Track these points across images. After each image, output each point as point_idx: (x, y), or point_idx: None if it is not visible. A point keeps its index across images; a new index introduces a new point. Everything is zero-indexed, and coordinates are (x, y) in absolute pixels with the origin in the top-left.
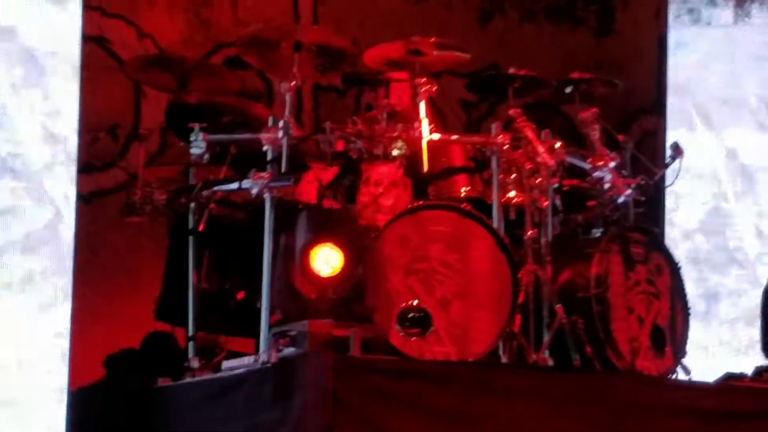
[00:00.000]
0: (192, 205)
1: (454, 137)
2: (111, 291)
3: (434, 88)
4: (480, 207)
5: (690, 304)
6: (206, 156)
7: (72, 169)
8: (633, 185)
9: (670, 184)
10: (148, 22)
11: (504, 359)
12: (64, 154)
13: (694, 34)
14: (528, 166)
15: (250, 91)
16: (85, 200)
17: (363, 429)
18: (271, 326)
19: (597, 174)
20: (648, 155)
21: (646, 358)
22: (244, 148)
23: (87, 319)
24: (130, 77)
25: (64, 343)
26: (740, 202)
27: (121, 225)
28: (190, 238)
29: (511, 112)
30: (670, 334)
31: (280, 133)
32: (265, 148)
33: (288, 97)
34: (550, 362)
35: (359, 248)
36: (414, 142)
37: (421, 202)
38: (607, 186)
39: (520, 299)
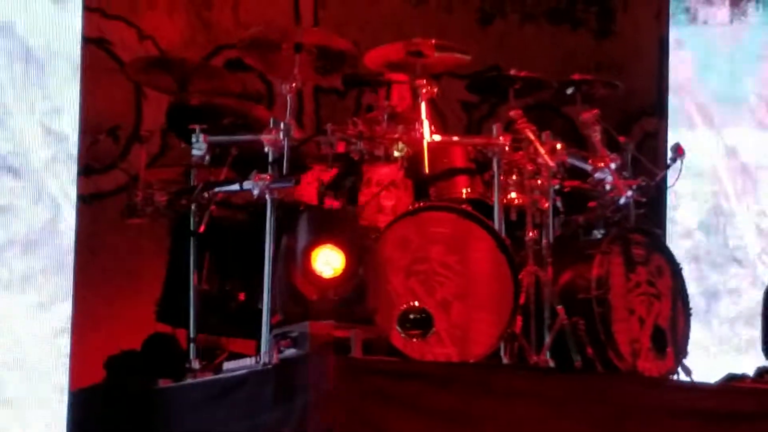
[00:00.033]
0: (193, 206)
1: (455, 138)
2: (112, 292)
3: (435, 90)
4: (481, 208)
5: (691, 305)
6: (207, 157)
7: (72, 168)
8: (634, 186)
9: (672, 185)
10: (149, 23)
11: (505, 360)
12: (65, 153)
13: (690, 33)
14: (529, 167)
15: (251, 93)
16: (86, 202)
17: (364, 430)
18: (272, 327)
19: (598, 175)
20: (649, 156)
21: (647, 359)
22: (245, 149)
23: (88, 320)
24: (131, 79)
25: (64, 342)
26: (740, 201)
27: (121, 226)
28: (191, 240)
29: (512, 113)
30: (671, 335)
31: (281, 135)
32: (266, 149)
33: (289, 99)
34: (551, 363)
35: (360, 249)
36: (415, 144)
37: (421, 204)
38: (608, 187)
39: (521, 300)
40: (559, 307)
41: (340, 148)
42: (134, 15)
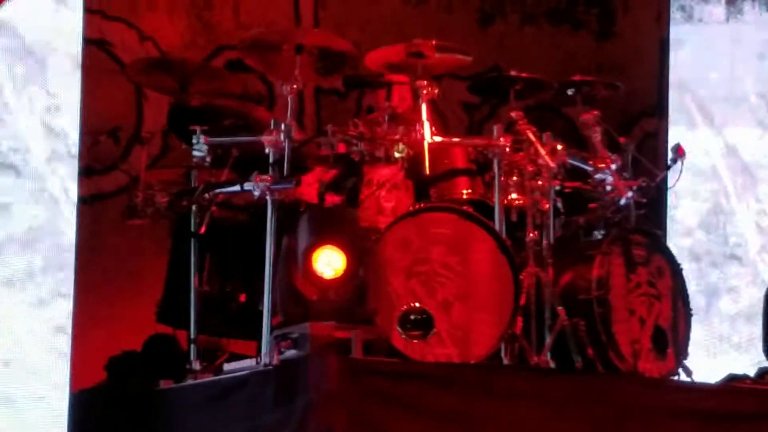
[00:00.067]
0: (194, 207)
1: (456, 140)
2: (112, 293)
3: (436, 91)
4: (481, 209)
5: (692, 306)
6: (208, 159)
7: (72, 165)
8: (634, 187)
9: (672, 186)
10: (149, 25)
11: (506, 361)
12: (65, 150)
13: (685, 32)
14: (529, 168)
15: (252, 94)
16: (86, 203)
17: (365, 431)
18: (272, 329)
19: (598, 176)
20: (649, 157)
21: (648, 360)
22: (245, 150)
23: (89, 321)
24: (132, 80)
25: (64, 340)
26: (740, 200)
27: (122, 227)
28: (192, 241)
29: (512, 114)
30: (671, 335)
31: (282, 136)
32: (266, 150)
33: (289, 100)
34: (552, 364)
35: (361, 250)
36: (415, 145)
37: (422, 205)
38: (608, 188)
39: (522, 301)
40: (560, 308)
41: (341, 149)
42: (135, 16)
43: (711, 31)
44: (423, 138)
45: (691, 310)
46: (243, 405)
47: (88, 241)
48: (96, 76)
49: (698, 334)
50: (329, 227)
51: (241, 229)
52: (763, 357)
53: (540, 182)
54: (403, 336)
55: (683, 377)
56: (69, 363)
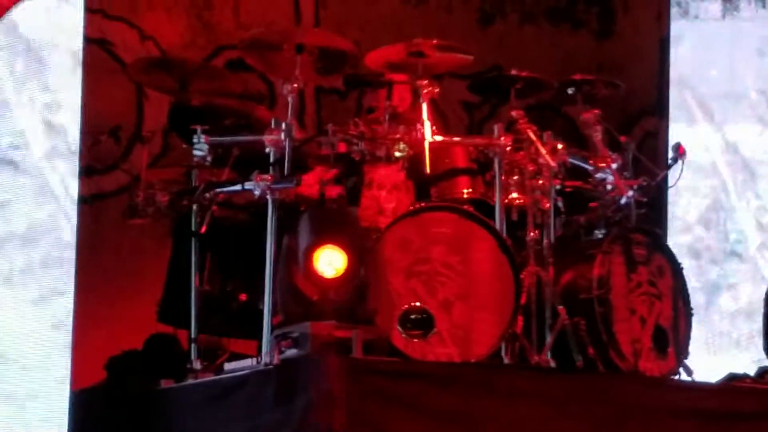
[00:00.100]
0: (194, 207)
1: (457, 139)
2: (113, 293)
3: (436, 90)
4: (482, 209)
5: (692, 305)
6: (209, 158)
7: (72, 161)
8: (635, 186)
9: (673, 185)
10: (150, 24)
11: (506, 361)
12: (65, 147)
13: (683, 28)
14: (530, 167)
15: (253, 94)
16: (87, 202)
17: (365, 430)
18: (273, 328)
19: (599, 175)
20: (650, 156)
21: (649, 359)
22: (246, 150)
23: (89, 320)
24: (133, 79)
25: (64, 336)
26: (740, 196)
27: (123, 227)
28: (193, 240)
29: (513, 113)
30: (672, 335)
31: (283, 135)
32: (267, 150)
33: (290, 99)
34: (553, 364)
35: (362, 250)
36: (416, 144)
37: (422, 204)
38: (609, 187)
39: (523, 301)
40: (561, 307)
41: (342, 148)
42: (135, 16)
43: (709, 27)
44: (423, 137)
45: (691, 309)
46: (243, 404)
47: (88, 241)
48: (97, 75)
49: (698, 331)
50: (330, 227)
51: (242, 229)
52: (763, 356)
53: (540, 181)
54: (404, 335)
55: (684, 376)
56: (69, 362)
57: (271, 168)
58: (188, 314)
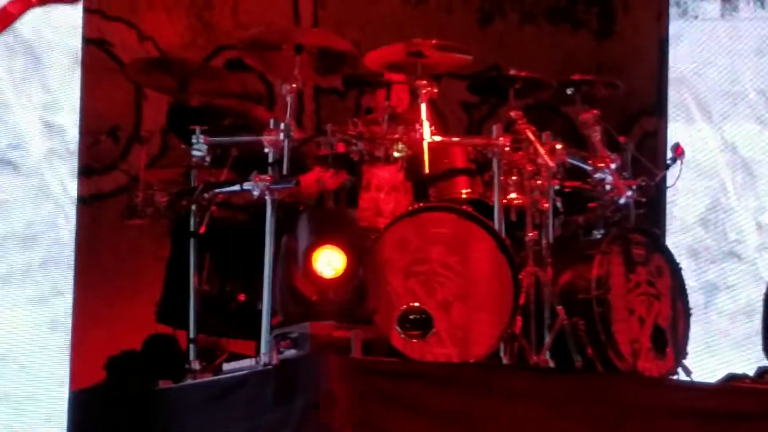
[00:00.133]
0: (193, 207)
1: (455, 139)
2: (112, 293)
3: (435, 90)
4: (481, 209)
5: (691, 305)
6: (207, 158)
7: (71, 162)
8: (634, 186)
9: (671, 185)
10: (149, 24)
11: (505, 361)
12: (63, 147)
13: (681, 27)
14: (529, 167)
15: (251, 94)
16: (86, 203)
17: (364, 430)
18: (272, 328)
19: (598, 175)
20: (648, 156)
21: (647, 359)
22: (245, 150)
23: (88, 321)
24: (131, 79)
25: (63, 336)
26: (739, 196)
27: (122, 227)
28: (192, 241)
29: (512, 113)
30: (671, 335)
31: (282, 136)
32: (266, 150)
33: (289, 100)
34: (551, 364)
35: (361, 250)
36: (415, 144)
37: (421, 204)
38: (608, 187)
39: (521, 301)
40: (559, 308)
41: (340, 148)
42: (134, 16)
43: (708, 27)
44: (422, 137)
45: (690, 309)
46: (242, 405)
47: (87, 241)
48: (96, 75)
49: (697, 331)
50: (329, 227)
51: (241, 229)
52: (762, 356)
53: (539, 181)
54: (403, 336)
55: (682, 376)
56: (68, 362)
57: (269, 168)
58: (187, 314)
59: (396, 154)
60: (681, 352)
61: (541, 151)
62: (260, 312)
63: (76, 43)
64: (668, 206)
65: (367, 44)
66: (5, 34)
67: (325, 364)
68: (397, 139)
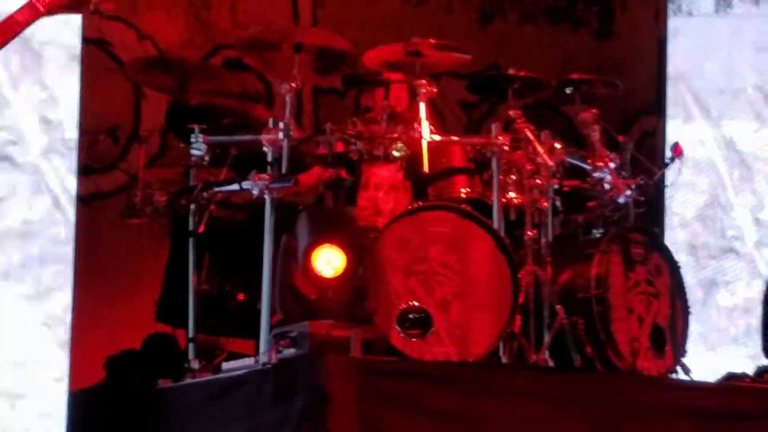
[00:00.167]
0: (192, 206)
1: (454, 138)
2: (112, 293)
3: (434, 90)
4: (480, 208)
5: (690, 304)
6: (207, 157)
7: (69, 158)
8: (633, 186)
9: (670, 184)
10: (148, 24)
11: (504, 360)
12: (61, 143)
13: (677, 23)
14: (528, 166)
15: (251, 93)
16: (85, 202)
17: (363, 430)
18: (271, 327)
19: (597, 175)
20: (648, 156)
21: (647, 358)
22: (244, 149)
23: (87, 321)
24: (131, 79)
25: (61, 333)
26: (737, 192)
27: (121, 227)
28: (191, 240)
29: (511, 112)
30: (670, 333)
31: (281, 135)
32: (265, 149)
33: (288, 99)
34: (551, 363)
35: (361, 249)
36: (414, 144)
37: (420, 203)
38: (607, 186)
39: (521, 300)
40: (559, 307)
41: (339, 147)
42: (133, 15)
43: (704, 23)
44: (421, 137)
45: (689, 308)
46: (242, 404)
47: (87, 241)
48: (95, 75)
49: (695, 327)
50: (328, 226)
51: (240, 228)
52: (760, 353)
53: (538, 181)
54: (402, 335)
55: (682, 375)
56: (68, 362)
57: (269, 167)
58: (186, 314)
59: (395, 154)
60: (680, 351)
61: (540, 150)
62: (259, 311)
63: (75, 39)
64: (666, 202)
65: (366, 44)
66: (13, 42)
67: (324, 364)
68: (396, 139)
